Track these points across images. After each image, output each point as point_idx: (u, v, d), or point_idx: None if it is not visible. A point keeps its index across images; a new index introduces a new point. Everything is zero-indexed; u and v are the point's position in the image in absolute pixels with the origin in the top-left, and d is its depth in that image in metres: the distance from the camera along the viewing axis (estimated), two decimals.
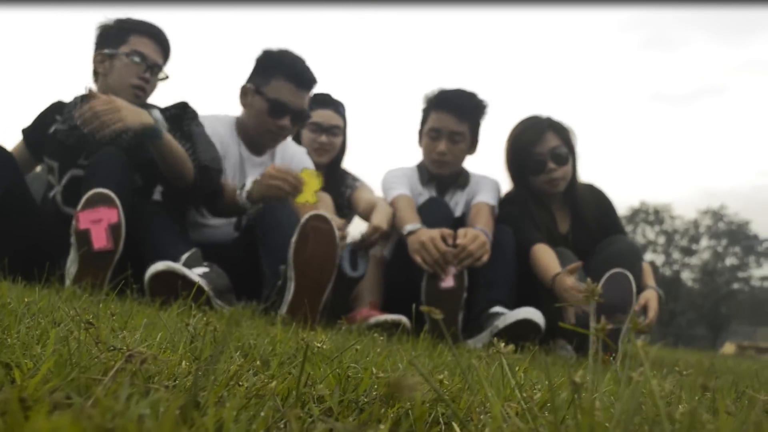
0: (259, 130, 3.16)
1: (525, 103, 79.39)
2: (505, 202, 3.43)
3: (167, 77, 3.03)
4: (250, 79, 3.16)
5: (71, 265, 2.42)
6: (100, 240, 2.38)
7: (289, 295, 2.50)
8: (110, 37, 2.96)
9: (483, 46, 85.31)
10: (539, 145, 3.28)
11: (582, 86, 79.63)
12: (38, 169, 3.35)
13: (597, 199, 3.49)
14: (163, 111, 2.97)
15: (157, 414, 0.58)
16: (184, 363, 0.88)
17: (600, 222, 3.40)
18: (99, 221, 2.38)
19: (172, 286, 2.35)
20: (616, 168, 73.22)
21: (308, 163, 3.33)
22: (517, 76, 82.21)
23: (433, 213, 3.12)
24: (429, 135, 3.44)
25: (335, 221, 2.65)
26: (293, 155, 3.35)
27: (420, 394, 0.81)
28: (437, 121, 3.41)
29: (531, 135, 3.31)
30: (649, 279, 3.30)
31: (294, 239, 2.50)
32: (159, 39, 2.98)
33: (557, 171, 3.27)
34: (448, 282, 2.80)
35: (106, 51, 2.92)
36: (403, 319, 2.68)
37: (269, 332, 1.61)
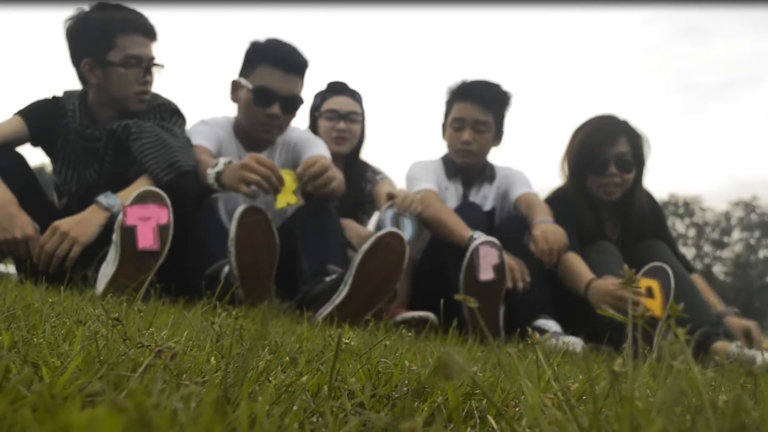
0: (249, 123, 3.06)
1: (549, 98, 79.03)
2: (554, 198, 3.38)
3: (163, 66, 2.93)
4: (239, 73, 3.11)
5: (108, 266, 2.30)
6: (146, 239, 2.26)
7: (338, 298, 2.40)
8: (94, 41, 2.82)
9: (509, 43, 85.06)
10: (608, 148, 3.19)
11: (609, 78, 79.13)
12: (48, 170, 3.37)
13: (652, 209, 3.44)
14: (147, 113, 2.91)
15: (189, 408, 0.58)
16: (212, 359, 0.89)
17: (649, 230, 3.34)
18: (148, 219, 2.27)
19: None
20: None
21: (317, 146, 3.16)
22: (541, 70, 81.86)
23: (467, 219, 3.05)
24: (453, 125, 3.43)
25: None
26: (298, 140, 3.19)
27: (453, 387, 0.80)
28: (461, 111, 3.41)
29: (604, 134, 3.22)
30: (710, 295, 3.22)
31: (366, 248, 2.40)
32: (145, 28, 2.85)
33: (617, 177, 3.19)
34: (488, 274, 2.72)
35: (96, 58, 2.80)
36: (431, 316, 2.67)
37: (295, 330, 1.62)
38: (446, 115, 3.51)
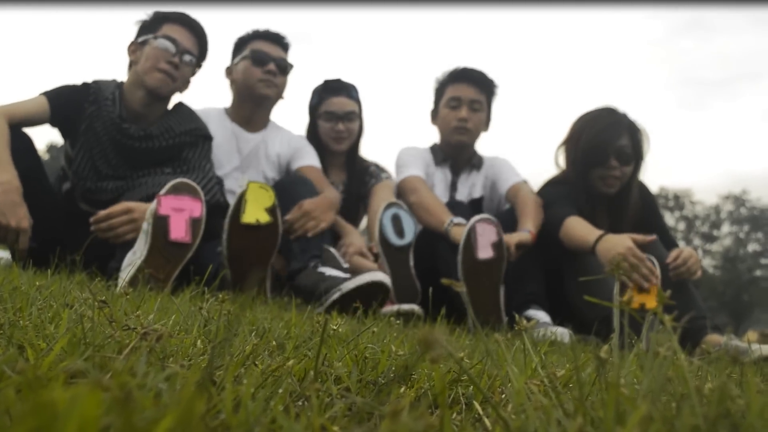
0: (250, 84, 3.29)
1: (551, 91, 79.09)
2: (552, 182, 3.39)
3: (200, 67, 3.07)
4: (231, 61, 3.40)
5: (135, 254, 2.29)
6: (179, 230, 2.25)
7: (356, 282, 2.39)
8: (144, 28, 3.01)
9: (513, 38, 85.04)
10: (612, 141, 3.19)
11: (612, 71, 79.23)
12: (46, 156, 3.36)
13: (645, 200, 3.43)
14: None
15: (174, 389, 0.58)
16: (199, 343, 0.89)
17: (643, 221, 3.33)
18: (181, 210, 2.27)
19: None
20: None
21: (307, 155, 3.39)
22: (544, 65, 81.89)
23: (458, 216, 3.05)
24: (448, 105, 3.53)
25: None
26: (290, 138, 3.45)
27: (439, 374, 0.80)
28: (457, 90, 3.52)
29: (610, 129, 3.22)
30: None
31: (348, 288, 2.37)
32: (193, 28, 2.99)
33: (617, 170, 3.19)
34: (486, 252, 2.66)
35: (139, 40, 2.94)
36: (416, 308, 2.64)
37: (283, 317, 1.62)
38: (437, 99, 3.61)
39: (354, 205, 3.60)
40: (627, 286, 2.56)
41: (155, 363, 0.69)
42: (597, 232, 2.85)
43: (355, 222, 3.57)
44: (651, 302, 2.52)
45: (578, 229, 2.97)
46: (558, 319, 2.82)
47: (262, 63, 3.28)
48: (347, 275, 2.51)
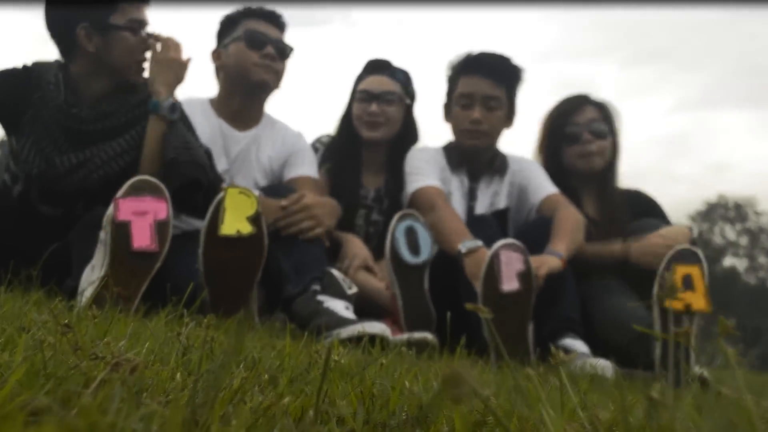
0: (243, 70, 3.27)
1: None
2: None
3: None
4: (218, 43, 3.39)
5: (94, 270, 2.27)
6: (142, 237, 2.22)
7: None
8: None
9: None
10: (577, 116, 3.54)
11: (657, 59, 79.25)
12: None
13: (645, 203, 3.65)
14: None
15: (151, 430, 0.58)
16: (178, 376, 0.89)
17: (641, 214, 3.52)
18: (144, 214, 2.23)
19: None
20: (687, 155, 72.66)
21: (302, 162, 3.35)
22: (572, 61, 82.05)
23: (481, 236, 2.97)
24: (459, 102, 3.44)
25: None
26: (285, 138, 3.40)
27: (461, 414, 0.81)
28: (468, 85, 3.42)
29: (569, 106, 3.60)
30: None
31: (343, 337, 2.35)
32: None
33: (593, 144, 3.49)
34: (512, 283, 2.62)
35: (95, 23, 2.88)
36: (429, 337, 2.61)
37: (275, 345, 1.62)
38: (450, 92, 3.52)
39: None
40: (669, 284, 2.55)
41: (129, 399, 0.69)
42: (619, 245, 3.15)
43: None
44: (699, 302, 2.48)
45: (596, 246, 3.22)
46: (596, 350, 2.81)
47: (258, 45, 3.25)
48: (347, 313, 2.50)
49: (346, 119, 3.60)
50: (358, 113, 3.53)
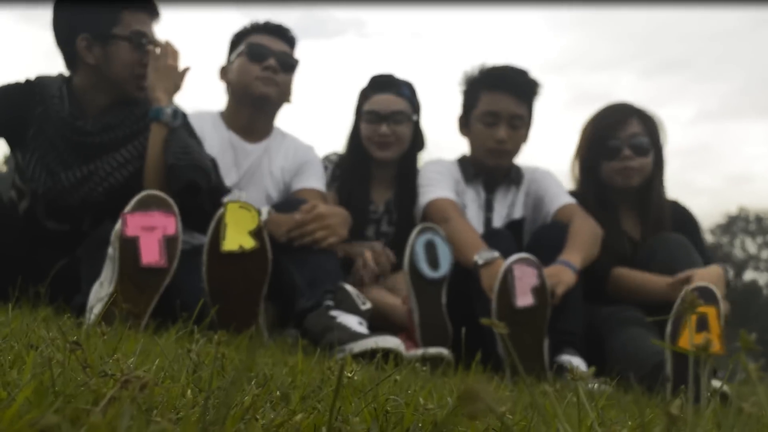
0: (246, 82, 3.28)
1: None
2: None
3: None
4: (227, 60, 3.43)
5: (102, 287, 2.27)
6: (151, 253, 2.21)
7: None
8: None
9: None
10: (619, 130, 3.39)
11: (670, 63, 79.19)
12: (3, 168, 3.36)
13: (680, 215, 3.55)
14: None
15: None
16: (189, 393, 0.89)
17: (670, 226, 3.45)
18: (152, 229, 2.23)
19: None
20: (707, 167, 72.50)
21: (312, 174, 3.36)
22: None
23: (498, 250, 2.95)
24: (483, 120, 3.40)
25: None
26: (297, 149, 3.42)
27: (477, 429, 0.80)
28: (494, 103, 3.38)
29: (612, 118, 3.44)
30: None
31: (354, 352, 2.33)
32: (151, 7, 2.96)
33: (633, 160, 3.36)
34: (526, 299, 2.61)
35: (96, 34, 2.87)
36: (444, 352, 2.60)
37: (287, 361, 1.62)
38: (468, 106, 3.49)
39: (404, 235, 3.20)
40: (682, 325, 2.53)
41: (139, 416, 0.69)
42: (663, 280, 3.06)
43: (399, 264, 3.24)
44: (714, 345, 2.44)
45: (638, 278, 3.19)
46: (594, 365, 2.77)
47: (259, 58, 3.27)
48: (360, 328, 2.48)
49: (355, 138, 3.59)
50: (367, 134, 3.52)
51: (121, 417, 0.62)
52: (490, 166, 3.46)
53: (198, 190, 2.66)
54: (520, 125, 3.40)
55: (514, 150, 3.45)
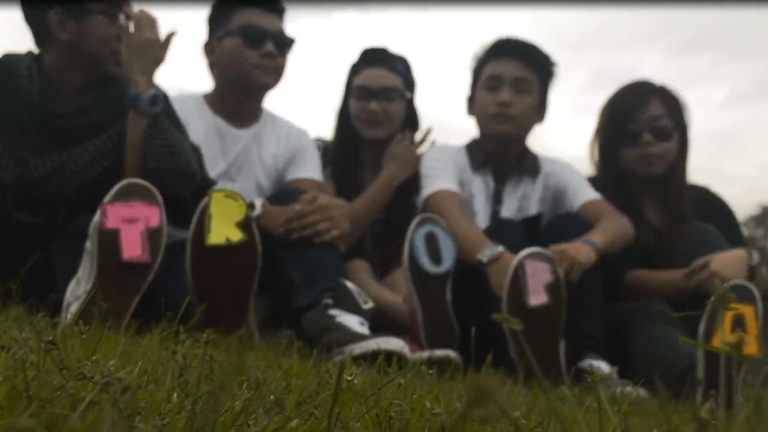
0: (241, 72, 3.21)
1: None
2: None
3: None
4: (210, 35, 3.30)
5: (80, 285, 2.25)
6: (133, 247, 2.19)
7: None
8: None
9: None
10: (639, 112, 3.33)
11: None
12: None
13: (711, 204, 3.52)
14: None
15: None
16: (174, 397, 0.89)
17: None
18: (134, 221, 2.20)
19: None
20: (740, 153, 72.51)
21: (307, 163, 3.32)
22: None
23: (503, 245, 2.92)
24: (486, 86, 3.38)
25: None
26: (290, 134, 3.36)
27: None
28: (497, 67, 3.37)
29: (631, 99, 3.38)
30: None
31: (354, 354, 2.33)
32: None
33: (654, 146, 3.31)
34: (539, 297, 2.61)
35: (69, 8, 2.83)
36: (452, 354, 2.59)
37: (281, 364, 1.62)
38: (474, 82, 3.47)
39: (397, 226, 3.29)
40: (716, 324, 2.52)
41: (120, 422, 0.69)
42: (677, 275, 3.07)
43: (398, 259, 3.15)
44: (750, 346, 2.44)
45: (652, 277, 3.20)
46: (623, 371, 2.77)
47: (257, 44, 3.18)
48: (361, 328, 2.48)
49: (343, 116, 3.60)
50: (356, 111, 3.53)
51: (101, 422, 0.62)
52: (494, 135, 3.39)
53: (183, 202, 2.65)
54: (526, 89, 3.35)
55: (520, 117, 3.36)
